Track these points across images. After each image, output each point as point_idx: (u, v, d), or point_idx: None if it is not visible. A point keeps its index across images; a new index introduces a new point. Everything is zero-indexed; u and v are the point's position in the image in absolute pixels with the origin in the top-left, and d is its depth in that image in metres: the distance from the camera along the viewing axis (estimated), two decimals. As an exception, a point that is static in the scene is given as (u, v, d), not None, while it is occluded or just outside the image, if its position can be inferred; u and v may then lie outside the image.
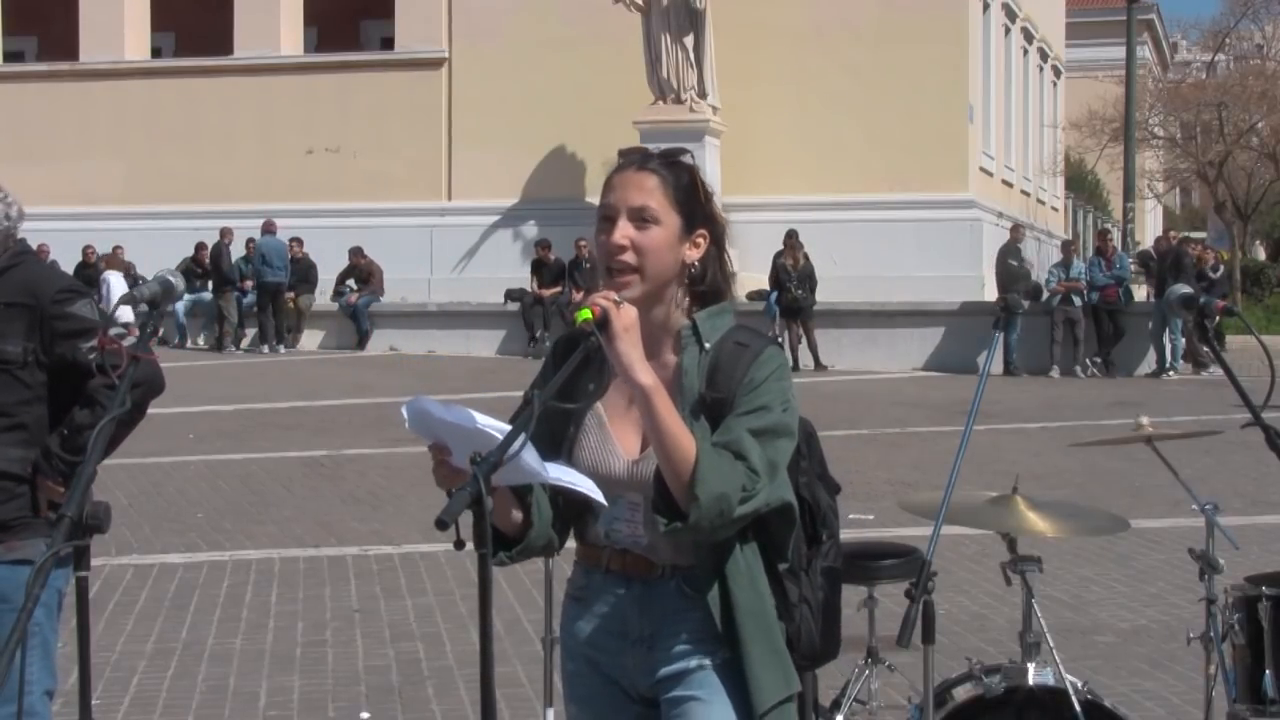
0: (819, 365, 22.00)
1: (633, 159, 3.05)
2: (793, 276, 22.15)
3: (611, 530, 3.07)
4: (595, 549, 3.09)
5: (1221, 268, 25.92)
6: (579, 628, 3.13)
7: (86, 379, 4.24)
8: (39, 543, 4.28)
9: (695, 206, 3.03)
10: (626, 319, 2.83)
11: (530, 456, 2.71)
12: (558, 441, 3.02)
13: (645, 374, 2.85)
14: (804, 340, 22.21)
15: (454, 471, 2.82)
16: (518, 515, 3.00)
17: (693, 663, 3.00)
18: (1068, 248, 24.29)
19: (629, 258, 2.96)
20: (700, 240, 3.03)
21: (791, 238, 22.58)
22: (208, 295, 24.97)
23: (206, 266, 25.01)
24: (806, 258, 22.39)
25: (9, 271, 4.32)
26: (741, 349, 2.99)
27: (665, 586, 3.02)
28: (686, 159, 3.08)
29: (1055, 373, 21.60)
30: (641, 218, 2.98)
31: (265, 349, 24.24)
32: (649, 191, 2.99)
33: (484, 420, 2.71)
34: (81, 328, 4.27)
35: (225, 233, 25.09)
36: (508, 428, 2.70)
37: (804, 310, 22.19)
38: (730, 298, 3.11)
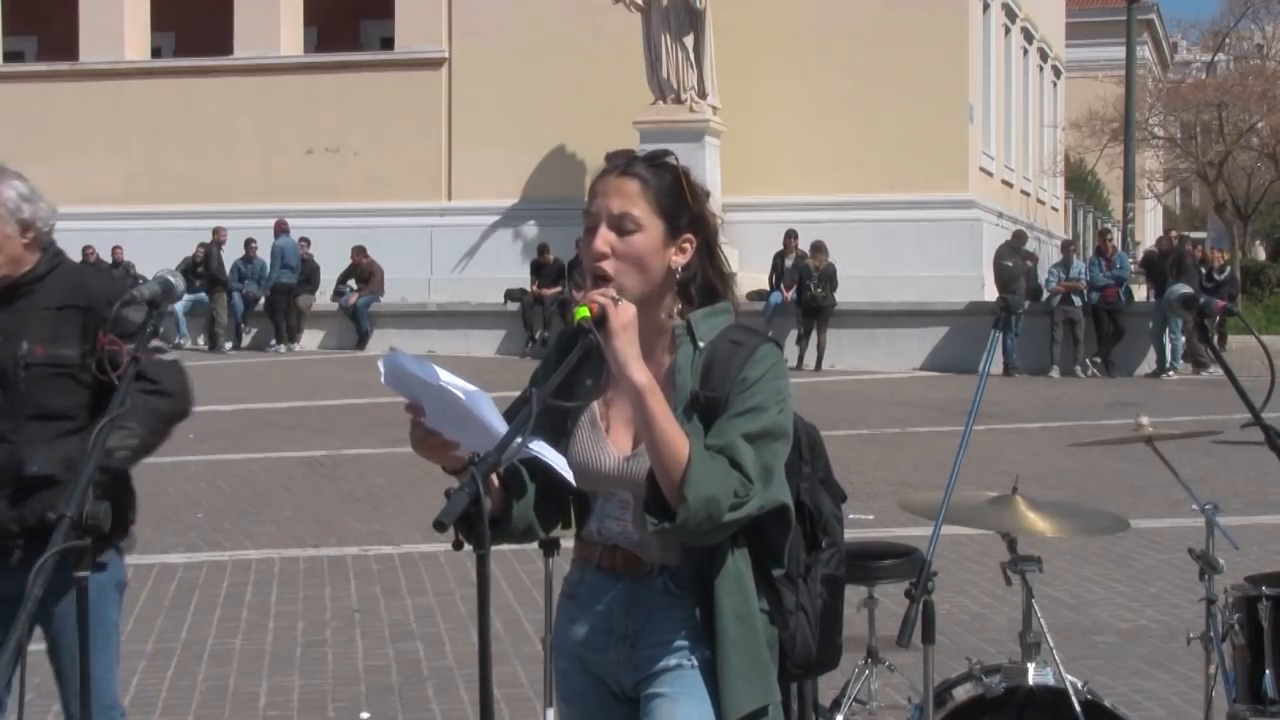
0: (819, 367, 21.98)
1: (616, 164, 3.02)
2: (814, 275, 22.14)
3: (603, 527, 3.08)
4: (589, 545, 3.10)
5: (1229, 269, 25.94)
6: (569, 626, 3.13)
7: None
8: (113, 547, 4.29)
9: (680, 209, 3.00)
10: (624, 317, 2.83)
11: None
12: (556, 436, 3.01)
13: (640, 372, 2.84)
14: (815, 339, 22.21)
15: (427, 433, 2.81)
16: (500, 496, 2.98)
17: (672, 661, 3.00)
18: (1068, 248, 24.29)
19: (609, 265, 2.95)
20: (687, 245, 3.01)
21: (792, 238, 22.59)
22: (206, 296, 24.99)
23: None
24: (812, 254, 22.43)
25: (52, 274, 4.29)
26: (736, 347, 2.97)
27: (652, 584, 3.02)
28: (671, 160, 3.04)
29: (1055, 373, 21.60)
30: (622, 226, 2.96)
31: (282, 349, 24.29)
32: (630, 198, 2.96)
33: (446, 377, 2.70)
34: (130, 331, 4.27)
35: (218, 232, 25.07)
36: (470, 387, 2.70)
37: (824, 310, 22.19)
38: (728, 297, 3.09)
